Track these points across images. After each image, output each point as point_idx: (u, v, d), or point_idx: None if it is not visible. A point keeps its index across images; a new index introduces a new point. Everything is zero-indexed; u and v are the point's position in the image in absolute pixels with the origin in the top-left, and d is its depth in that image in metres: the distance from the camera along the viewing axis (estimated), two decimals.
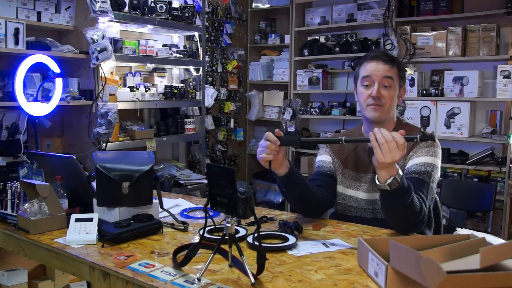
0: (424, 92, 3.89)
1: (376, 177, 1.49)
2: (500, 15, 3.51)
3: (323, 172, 1.88)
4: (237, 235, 1.46)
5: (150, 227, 1.58)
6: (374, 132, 1.43)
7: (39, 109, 2.76)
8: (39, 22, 2.98)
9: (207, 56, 4.37)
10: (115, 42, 3.22)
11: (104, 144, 3.08)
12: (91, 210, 1.68)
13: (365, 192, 1.78)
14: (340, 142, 1.52)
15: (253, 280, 1.16)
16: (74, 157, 1.74)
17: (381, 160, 1.41)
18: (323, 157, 1.91)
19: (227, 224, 1.22)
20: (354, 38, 4.39)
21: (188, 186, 3.66)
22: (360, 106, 1.78)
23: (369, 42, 4.20)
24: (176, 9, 3.60)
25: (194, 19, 3.72)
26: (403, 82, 1.79)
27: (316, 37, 4.67)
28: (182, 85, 3.94)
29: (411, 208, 1.50)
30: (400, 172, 1.46)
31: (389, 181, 1.44)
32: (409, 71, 3.91)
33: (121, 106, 3.24)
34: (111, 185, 1.60)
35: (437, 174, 1.71)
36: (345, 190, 1.84)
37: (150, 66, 3.85)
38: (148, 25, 3.49)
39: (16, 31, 2.72)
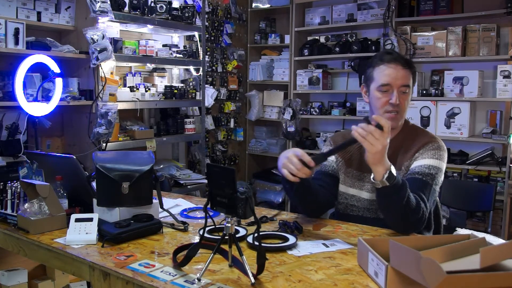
0: (424, 92, 3.89)
1: (372, 177, 1.52)
2: (500, 15, 3.51)
3: (325, 172, 1.87)
4: (237, 235, 1.46)
5: (150, 227, 1.58)
6: (355, 131, 1.48)
7: (39, 109, 2.76)
8: (39, 22, 2.98)
9: (207, 56, 4.37)
10: (115, 42, 3.22)
11: (104, 144, 3.08)
12: (91, 210, 1.68)
13: (368, 192, 1.78)
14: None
15: (253, 280, 1.16)
16: (74, 157, 1.74)
17: (373, 150, 1.45)
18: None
19: (227, 224, 1.22)
20: (354, 38, 4.39)
21: (188, 186, 3.66)
22: (375, 110, 1.73)
23: (369, 42, 4.20)
24: (176, 9, 3.60)
25: (194, 19, 3.72)
26: (413, 85, 1.77)
27: (316, 37, 4.67)
28: (182, 85, 3.94)
29: (408, 204, 1.52)
30: (393, 167, 1.50)
31: (386, 175, 1.47)
32: None
33: (121, 106, 3.23)
34: (111, 185, 1.60)
35: (441, 178, 1.71)
36: (347, 189, 1.84)
37: (150, 66, 3.84)
38: (148, 25, 3.48)
39: (16, 31, 2.72)
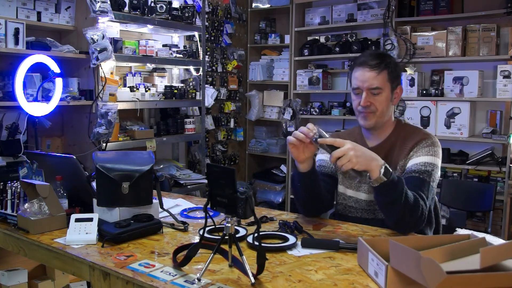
0: (424, 92, 3.89)
1: (368, 176, 1.50)
2: (500, 15, 3.51)
3: (324, 172, 1.87)
4: (237, 235, 1.46)
5: (150, 227, 1.58)
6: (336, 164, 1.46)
7: (39, 109, 2.76)
8: (39, 22, 2.98)
9: (207, 56, 4.37)
10: (115, 42, 3.22)
11: (104, 144, 3.08)
12: (91, 210, 1.68)
13: (366, 193, 1.78)
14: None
15: (253, 280, 1.16)
16: (74, 157, 1.74)
17: (356, 163, 1.43)
18: (324, 156, 1.90)
19: (227, 224, 1.22)
20: (354, 38, 4.39)
21: (188, 186, 3.66)
22: (354, 111, 1.80)
23: (369, 42, 4.20)
24: (176, 9, 3.60)
25: (194, 19, 3.72)
26: (396, 83, 1.75)
27: (316, 37, 4.67)
28: (182, 85, 3.94)
29: (407, 201, 1.52)
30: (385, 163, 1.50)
31: (382, 171, 1.46)
32: (409, 71, 3.91)
33: (121, 106, 3.23)
34: (111, 185, 1.60)
35: (438, 174, 1.71)
36: (345, 190, 1.84)
37: (150, 66, 3.84)
38: (148, 25, 3.48)
39: (16, 31, 2.72)
